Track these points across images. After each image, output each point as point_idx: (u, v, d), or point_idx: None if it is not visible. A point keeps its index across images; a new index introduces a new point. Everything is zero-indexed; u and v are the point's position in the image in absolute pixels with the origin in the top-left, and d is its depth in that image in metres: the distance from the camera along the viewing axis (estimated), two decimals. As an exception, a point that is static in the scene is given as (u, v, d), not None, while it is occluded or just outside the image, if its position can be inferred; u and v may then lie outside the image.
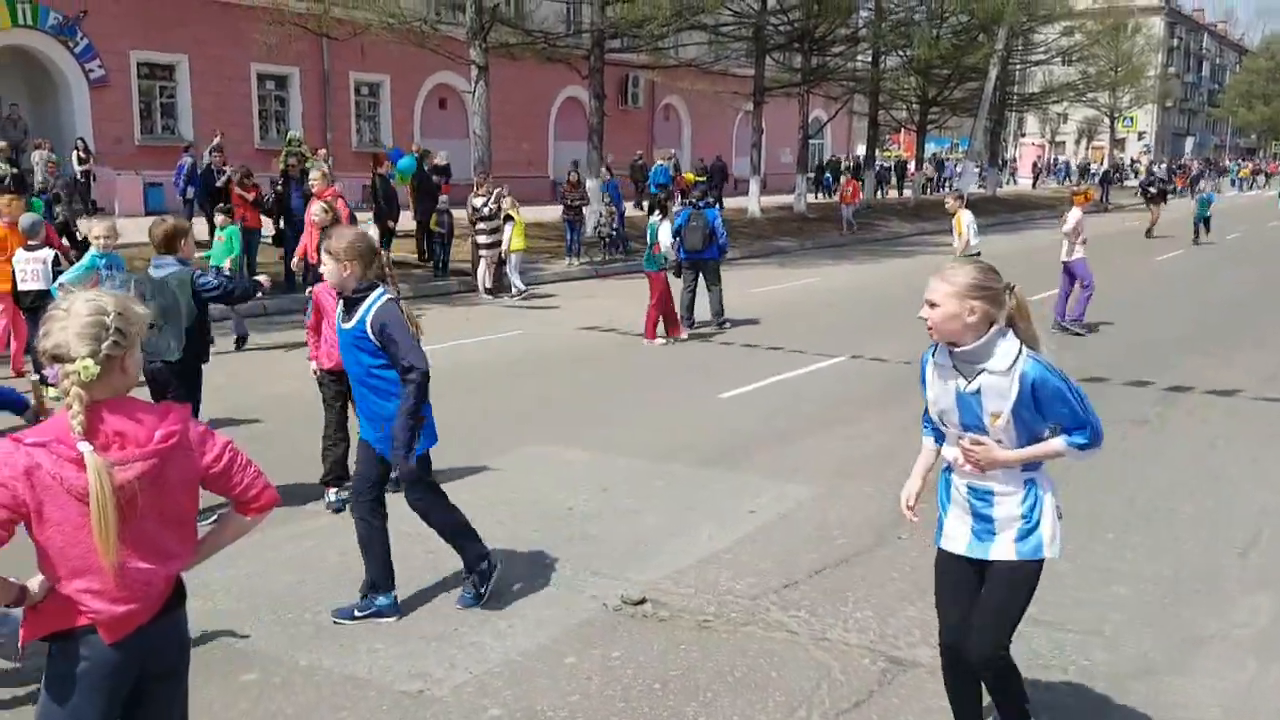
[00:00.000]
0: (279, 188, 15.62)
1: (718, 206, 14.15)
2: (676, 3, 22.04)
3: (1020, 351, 3.22)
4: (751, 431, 8.42)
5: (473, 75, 21.01)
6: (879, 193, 41.46)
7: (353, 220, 12.29)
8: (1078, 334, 12.90)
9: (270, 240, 15.91)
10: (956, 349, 3.28)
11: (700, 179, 28.67)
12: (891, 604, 5.08)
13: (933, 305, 3.27)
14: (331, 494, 6.53)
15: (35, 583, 2.53)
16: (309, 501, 6.51)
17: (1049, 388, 3.19)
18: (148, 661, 2.61)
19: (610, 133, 25.83)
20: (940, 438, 3.54)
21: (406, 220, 18.45)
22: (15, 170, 16.43)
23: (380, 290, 4.73)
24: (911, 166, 45.17)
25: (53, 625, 2.52)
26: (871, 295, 16.75)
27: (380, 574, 4.95)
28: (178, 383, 6.25)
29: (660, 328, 12.47)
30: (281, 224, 15.68)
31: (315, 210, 10.05)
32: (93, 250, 8.02)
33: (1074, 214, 13.04)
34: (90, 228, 8.39)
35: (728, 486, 6.94)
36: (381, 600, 4.93)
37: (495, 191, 16.53)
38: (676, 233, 12.80)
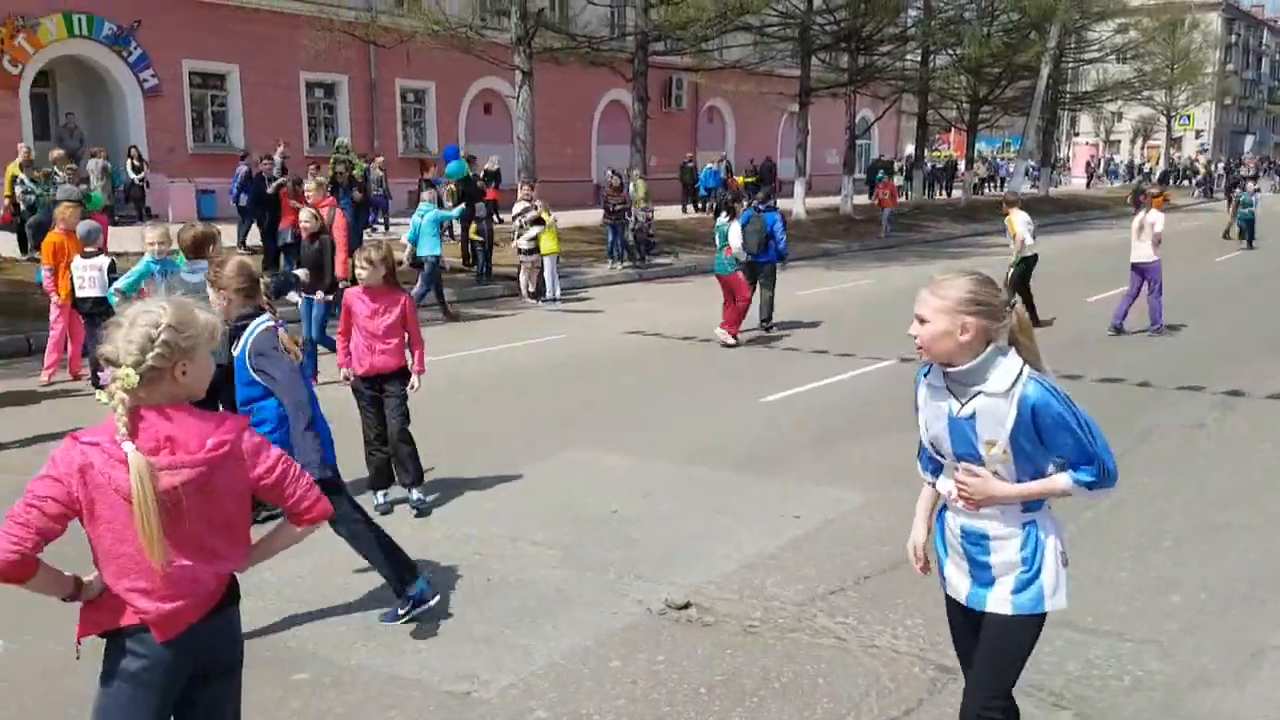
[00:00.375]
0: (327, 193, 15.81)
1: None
2: (721, 4, 21.97)
3: (1022, 372, 2.85)
4: (796, 436, 8.35)
5: (517, 80, 21.12)
6: (929, 193, 41.08)
7: (350, 229, 12.24)
8: (1166, 334, 12.86)
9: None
10: (950, 369, 2.93)
11: (750, 180, 28.59)
12: (941, 612, 4.93)
13: (922, 321, 2.92)
14: (380, 496, 6.57)
15: (91, 578, 2.58)
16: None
17: (1051, 413, 2.80)
18: (200, 659, 2.65)
19: (653, 135, 25.85)
20: (940, 472, 3.16)
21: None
22: (77, 179, 16.74)
23: (260, 319, 4.85)
24: (962, 166, 44.70)
25: (107, 623, 2.57)
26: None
27: (394, 571, 4.93)
28: (228, 384, 6.34)
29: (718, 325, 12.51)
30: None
31: (304, 217, 10.16)
32: (147, 256, 8.14)
33: (1157, 216, 12.79)
34: (143, 234, 8.52)
35: (772, 491, 6.90)
36: (414, 590, 4.91)
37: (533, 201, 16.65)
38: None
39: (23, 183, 15.50)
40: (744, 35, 28.88)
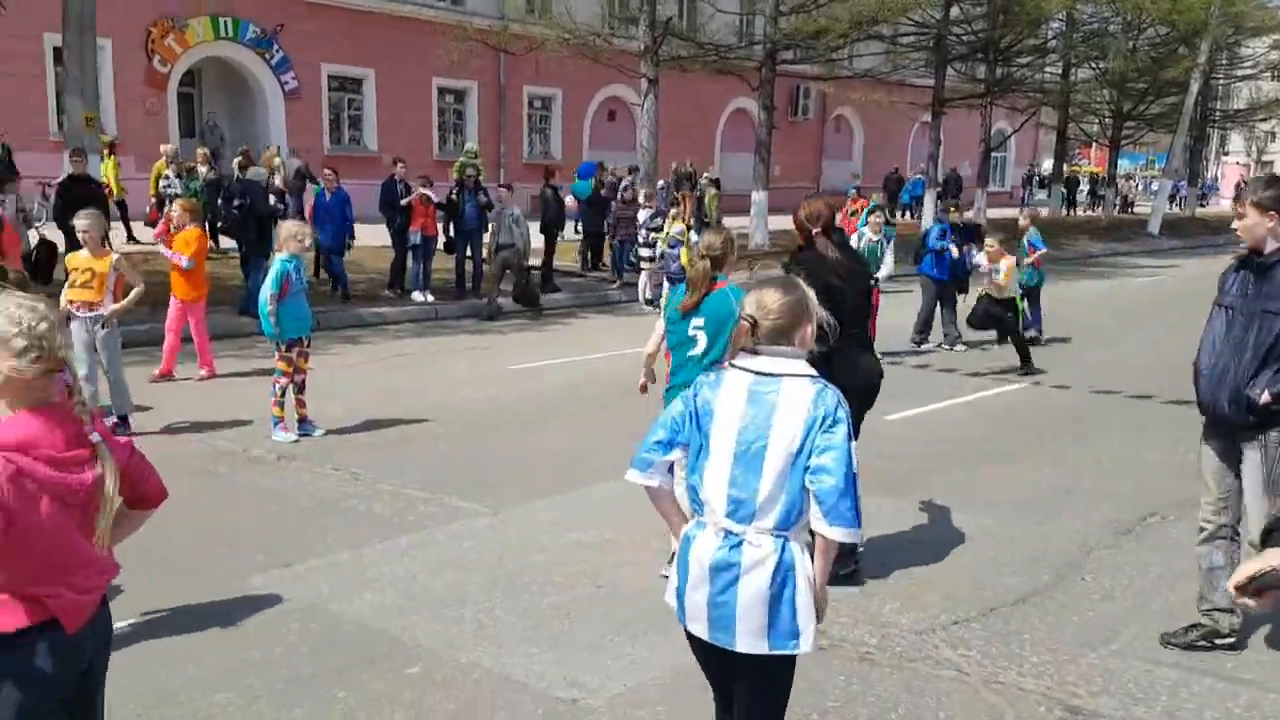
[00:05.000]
0: (453, 196, 16.11)
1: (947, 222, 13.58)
2: (854, 13, 21.62)
3: None
4: (920, 457, 8.09)
5: (643, 88, 21.18)
6: (1071, 210, 39.80)
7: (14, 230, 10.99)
8: None
9: (442, 248, 16.41)
10: None
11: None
12: (1070, 648, 4.75)
13: None
14: None
15: None
16: (470, 502, 6.62)
17: None
18: (95, 653, 2.64)
19: (778, 144, 25.57)
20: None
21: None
22: (215, 175, 17.45)
23: None
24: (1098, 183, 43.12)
25: (6, 626, 2.44)
26: (1059, 318, 15.92)
27: None
28: None
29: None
30: (452, 231, 16.20)
31: None
32: (282, 254, 8.23)
33: None
34: (280, 232, 8.64)
35: (892, 514, 6.66)
36: None
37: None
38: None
39: (167, 178, 16.26)
40: (876, 44, 28.39)
